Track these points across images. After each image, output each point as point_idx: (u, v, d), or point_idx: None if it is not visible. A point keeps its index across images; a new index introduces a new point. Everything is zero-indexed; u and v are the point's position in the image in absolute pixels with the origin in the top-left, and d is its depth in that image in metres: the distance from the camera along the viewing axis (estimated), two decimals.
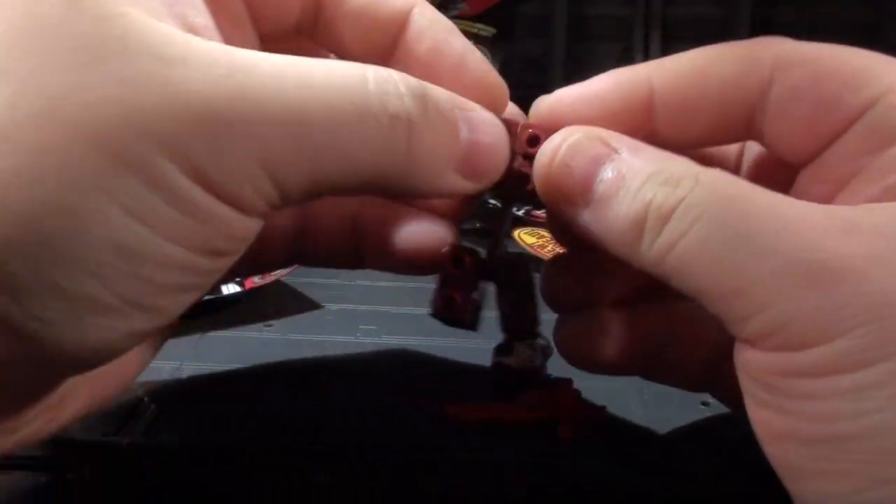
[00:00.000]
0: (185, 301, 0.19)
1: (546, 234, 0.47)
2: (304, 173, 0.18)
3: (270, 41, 0.23)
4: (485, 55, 0.69)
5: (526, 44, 0.66)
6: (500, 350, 0.31)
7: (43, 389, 0.20)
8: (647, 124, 0.23)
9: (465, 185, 0.22)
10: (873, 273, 0.17)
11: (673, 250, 0.19)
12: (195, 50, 0.17)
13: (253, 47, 0.21)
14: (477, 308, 0.26)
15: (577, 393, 0.29)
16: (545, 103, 0.24)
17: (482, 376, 0.32)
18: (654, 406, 0.30)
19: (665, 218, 0.19)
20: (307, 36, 0.24)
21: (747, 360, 0.19)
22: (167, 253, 0.17)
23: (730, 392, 0.24)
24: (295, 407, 0.30)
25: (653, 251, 0.19)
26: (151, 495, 0.27)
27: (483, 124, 0.22)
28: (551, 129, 0.22)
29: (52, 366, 0.18)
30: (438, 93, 0.21)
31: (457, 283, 0.25)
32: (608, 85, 0.24)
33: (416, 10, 0.23)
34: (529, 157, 0.22)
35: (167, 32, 0.17)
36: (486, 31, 0.62)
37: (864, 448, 0.17)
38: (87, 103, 0.16)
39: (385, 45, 0.23)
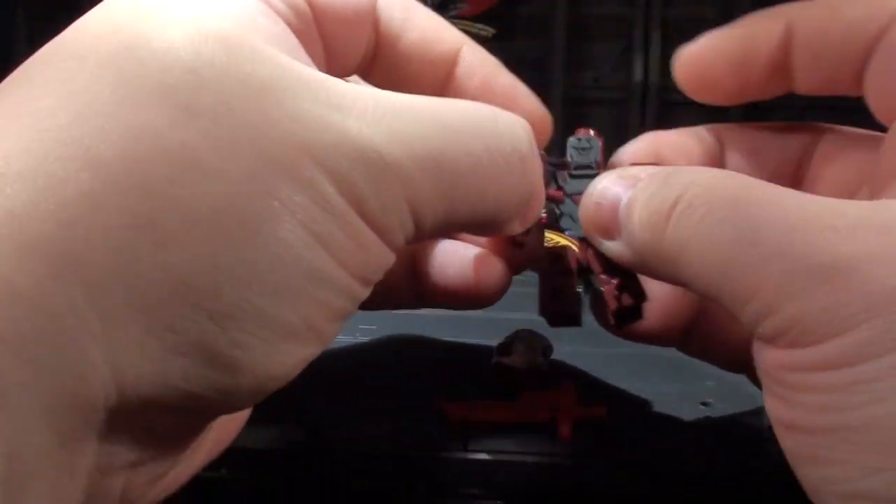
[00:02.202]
0: (339, 328, 0.20)
1: (546, 233, 0.47)
2: (441, 211, 0.20)
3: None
4: None
5: (526, 44, 0.66)
6: (500, 350, 0.31)
7: (204, 424, 0.20)
8: (785, 64, 0.25)
9: (518, 226, 0.23)
10: (877, 271, 0.17)
11: (684, 253, 0.20)
12: (350, 94, 0.19)
13: None
14: (579, 301, 0.26)
15: (577, 393, 0.29)
16: (687, 57, 0.25)
17: (482, 376, 0.32)
18: (654, 406, 0.30)
19: (667, 215, 0.20)
20: (364, 74, 0.25)
21: (760, 355, 0.20)
22: (339, 277, 0.18)
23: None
24: (294, 407, 0.30)
25: (664, 251, 0.20)
26: None
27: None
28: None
29: (233, 397, 0.18)
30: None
31: (560, 279, 0.25)
32: (744, 33, 0.25)
33: (465, 48, 0.25)
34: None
35: (322, 78, 0.19)
36: (486, 31, 0.62)
37: (858, 438, 0.17)
38: (274, 138, 0.17)
39: (437, 82, 0.25)
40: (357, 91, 0.19)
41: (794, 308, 0.18)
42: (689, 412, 0.30)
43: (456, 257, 0.27)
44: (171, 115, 0.17)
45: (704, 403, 0.30)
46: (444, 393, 0.30)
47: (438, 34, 0.25)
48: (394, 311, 0.39)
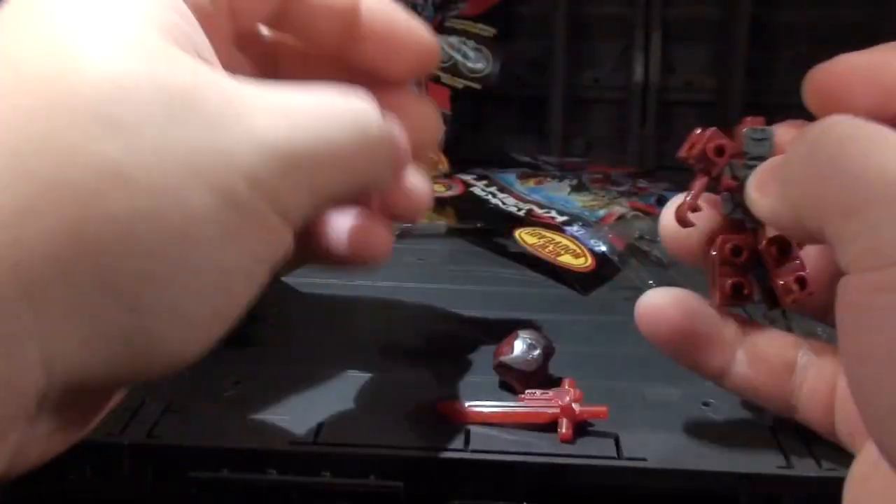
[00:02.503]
0: (244, 309, 0.21)
1: (547, 233, 0.47)
2: (327, 190, 0.22)
3: (242, 37, 0.27)
4: (485, 55, 0.68)
5: (526, 44, 0.66)
6: (500, 350, 0.31)
7: (115, 397, 0.22)
8: None
9: (393, 181, 0.26)
10: None
11: (807, 179, 0.22)
12: (257, 96, 0.21)
13: (229, 52, 0.25)
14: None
15: (578, 393, 0.29)
16: (824, 71, 0.26)
17: (482, 376, 0.32)
18: (654, 406, 0.30)
19: (797, 148, 0.22)
20: (274, 26, 0.28)
21: (847, 284, 0.21)
22: (247, 266, 0.21)
23: (805, 411, 0.27)
24: (295, 407, 0.30)
25: (791, 178, 0.22)
26: (152, 495, 0.27)
27: (401, 136, 0.26)
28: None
29: (145, 376, 0.20)
30: (388, 117, 0.25)
31: (737, 271, 0.27)
32: (879, 56, 0.26)
33: None
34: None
35: (231, 83, 0.21)
36: (486, 31, 0.62)
37: None
38: (193, 148, 0.19)
39: (344, 30, 0.27)
40: (259, 93, 0.21)
41: (892, 226, 0.19)
42: (689, 412, 0.30)
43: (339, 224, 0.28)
44: (96, 128, 0.18)
45: (705, 403, 0.30)
46: (445, 393, 0.30)
47: None
48: (394, 311, 0.39)
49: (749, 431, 0.28)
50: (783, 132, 0.27)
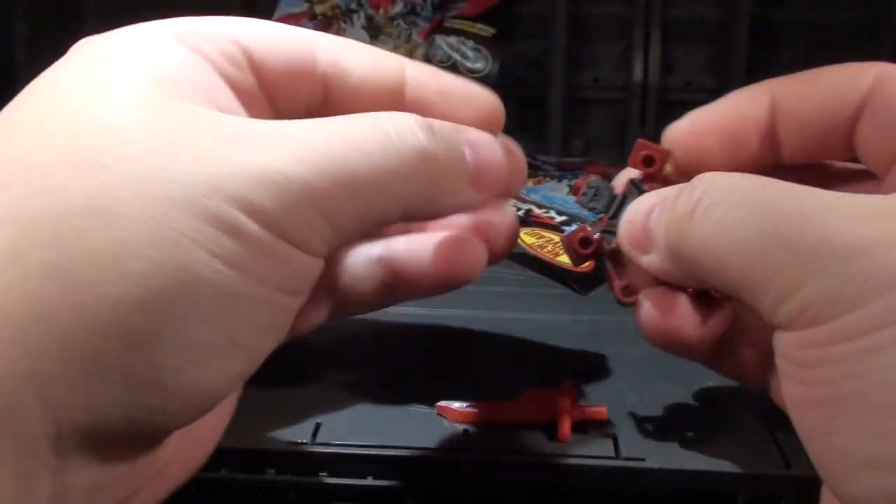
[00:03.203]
0: (273, 341, 0.21)
1: (546, 234, 0.47)
2: (355, 215, 0.21)
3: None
4: (485, 55, 0.68)
5: (526, 44, 0.66)
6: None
7: (150, 445, 0.21)
8: (772, 136, 0.26)
9: (478, 197, 0.25)
10: (890, 252, 0.18)
11: (707, 248, 0.21)
12: (250, 127, 0.21)
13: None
14: None
15: (577, 393, 0.29)
16: (678, 131, 0.27)
17: (482, 376, 0.32)
18: (653, 406, 0.30)
19: (690, 214, 0.22)
20: (318, 114, 0.27)
21: (779, 341, 0.21)
22: (257, 293, 0.20)
23: (774, 395, 0.26)
24: (295, 407, 0.30)
25: (689, 248, 0.22)
26: None
27: (482, 144, 0.25)
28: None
29: (167, 416, 0.20)
30: (441, 124, 0.24)
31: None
32: (730, 108, 0.27)
33: (408, 67, 0.26)
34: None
35: (226, 118, 0.21)
36: (486, 31, 0.62)
37: (867, 404, 0.18)
38: (176, 179, 0.19)
39: (392, 104, 0.26)
40: (257, 123, 0.21)
41: (810, 289, 0.19)
42: (688, 412, 0.30)
43: (423, 248, 0.28)
44: (82, 171, 0.19)
45: (704, 404, 0.30)
46: (444, 393, 0.30)
47: (380, 62, 0.26)
48: (393, 312, 0.39)
49: (748, 431, 0.28)
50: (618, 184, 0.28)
